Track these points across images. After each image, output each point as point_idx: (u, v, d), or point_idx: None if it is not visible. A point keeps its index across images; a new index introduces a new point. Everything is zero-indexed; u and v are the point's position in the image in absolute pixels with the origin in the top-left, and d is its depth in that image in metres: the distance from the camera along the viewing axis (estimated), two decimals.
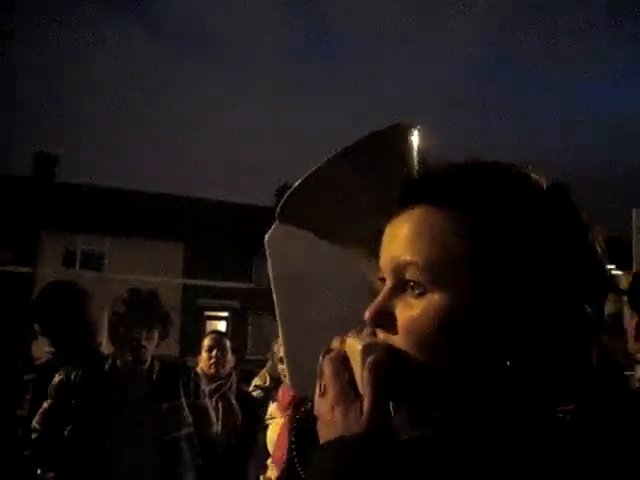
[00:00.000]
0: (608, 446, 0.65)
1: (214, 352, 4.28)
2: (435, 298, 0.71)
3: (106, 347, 3.26)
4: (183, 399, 2.95)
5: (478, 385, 0.70)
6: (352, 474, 0.67)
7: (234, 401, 4.11)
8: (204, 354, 4.32)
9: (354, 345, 0.76)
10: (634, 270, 3.66)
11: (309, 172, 0.93)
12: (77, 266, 26.00)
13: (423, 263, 0.72)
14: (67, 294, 3.21)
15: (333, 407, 0.74)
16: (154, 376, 2.98)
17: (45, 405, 2.85)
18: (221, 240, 27.73)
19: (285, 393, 3.52)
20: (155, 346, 3.02)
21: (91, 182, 29.93)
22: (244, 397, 4.30)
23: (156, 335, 2.99)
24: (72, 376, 2.90)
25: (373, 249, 0.84)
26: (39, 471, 2.73)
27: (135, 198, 28.74)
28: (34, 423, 2.83)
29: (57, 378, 2.91)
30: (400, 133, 1.01)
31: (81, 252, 26.74)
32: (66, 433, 2.75)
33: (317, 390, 0.79)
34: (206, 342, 4.36)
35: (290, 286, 1.29)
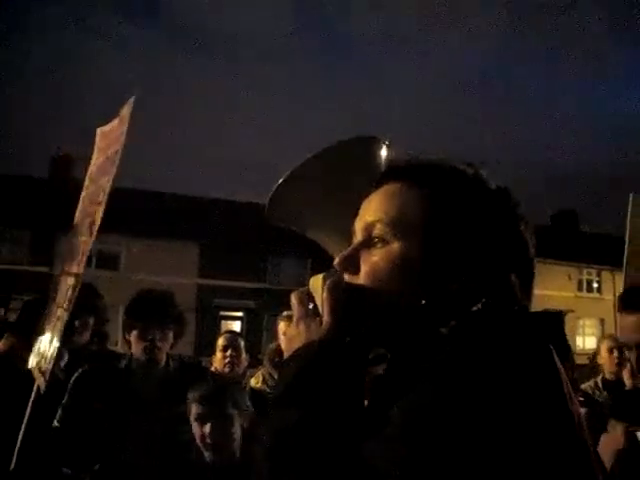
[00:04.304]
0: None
1: (228, 352, 4.28)
2: (394, 247, 0.93)
3: (122, 347, 3.28)
4: None
5: (418, 308, 0.90)
6: (312, 374, 0.86)
7: (248, 402, 4.13)
8: (218, 354, 4.32)
9: (317, 277, 0.96)
10: (626, 259, 3.62)
11: (284, 175, 1.07)
12: (93, 266, 26.17)
13: (387, 220, 0.94)
14: (84, 295, 3.24)
15: (297, 326, 0.93)
16: (170, 376, 2.99)
17: (64, 403, 2.88)
18: (236, 240, 27.80)
19: None
20: (170, 346, 3.02)
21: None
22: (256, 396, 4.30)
23: (171, 335, 2.99)
24: (88, 374, 2.93)
25: (341, 244, 1.04)
26: (65, 470, 2.75)
27: (151, 199, 28.87)
28: (55, 422, 2.86)
29: (74, 376, 2.94)
30: (365, 144, 1.16)
31: (97, 252, 26.91)
32: (81, 431, 2.77)
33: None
34: (220, 342, 4.37)
35: None
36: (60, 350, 2.96)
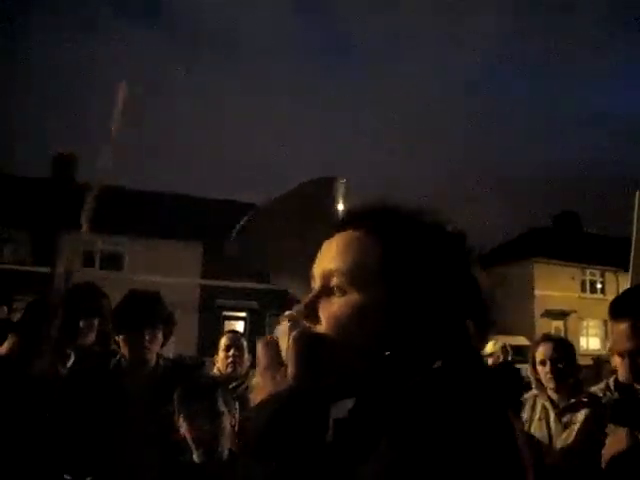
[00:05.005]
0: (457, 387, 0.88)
1: (231, 351, 4.30)
2: (352, 297, 0.95)
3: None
4: None
5: (380, 358, 0.92)
6: (280, 426, 0.90)
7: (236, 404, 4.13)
8: (221, 353, 4.34)
9: (283, 325, 0.98)
10: (632, 258, 3.60)
11: (247, 216, 1.17)
12: (97, 266, 26.19)
13: (345, 270, 0.96)
14: (88, 295, 3.25)
15: (263, 376, 1.01)
16: (159, 376, 2.97)
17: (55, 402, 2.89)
18: None
19: None
20: (160, 346, 3.03)
21: (110, 183, 30.08)
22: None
23: (160, 336, 3.00)
24: (75, 373, 2.95)
25: (301, 281, 1.09)
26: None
27: (154, 199, 28.89)
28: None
29: (66, 376, 2.97)
30: (322, 186, 1.21)
31: (100, 252, 26.93)
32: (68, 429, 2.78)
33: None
34: (223, 341, 4.38)
35: None
36: (66, 351, 2.97)
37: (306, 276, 1.05)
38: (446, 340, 0.93)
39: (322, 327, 0.96)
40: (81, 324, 3.39)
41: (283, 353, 0.95)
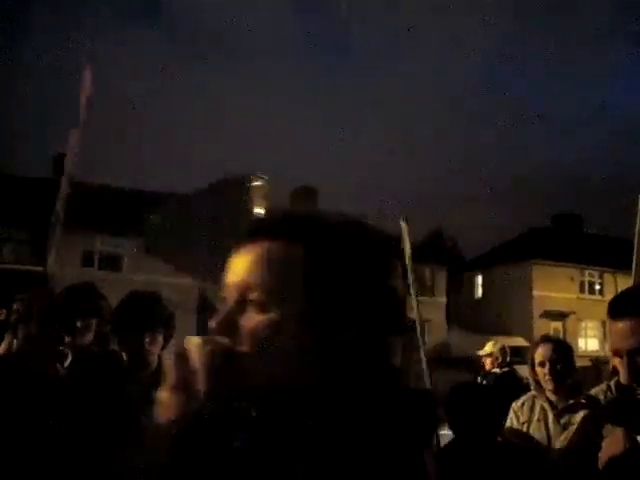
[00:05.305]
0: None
1: None
2: (272, 312, 0.90)
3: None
4: None
5: (302, 373, 0.90)
6: (188, 447, 0.88)
7: None
8: None
9: (194, 340, 0.93)
10: (635, 264, 3.60)
11: (161, 209, 1.14)
12: (96, 267, 26.19)
13: (264, 284, 0.91)
14: (87, 296, 3.25)
15: (171, 393, 0.92)
16: (159, 379, 2.98)
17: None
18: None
19: None
20: (161, 348, 3.02)
21: (110, 183, 30.10)
22: None
23: (160, 338, 2.99)
24: (74, 374, 2.95)
25: (213, 275, 1.03)
26: None
27: (154, 199, 28.89)
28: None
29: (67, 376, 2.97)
30: (239, 184, 1.18)
31: (99, 253, 26.94)
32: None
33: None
34: None
35: None
36: (63, 350, 2.96)
37: (211, 275, 1.04)
38: (367, 356, 0.92)
39: (239, 342, 0.91)
40: (79, 324, 3.39)
41: (195, 367, 0.90)
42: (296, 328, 0.90)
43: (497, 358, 7.43)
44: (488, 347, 7.67)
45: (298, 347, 0.90)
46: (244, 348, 0.90)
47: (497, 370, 7.37)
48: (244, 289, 0.93)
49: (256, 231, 0.97)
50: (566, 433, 3.12)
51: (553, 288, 34.23)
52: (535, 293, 34.20)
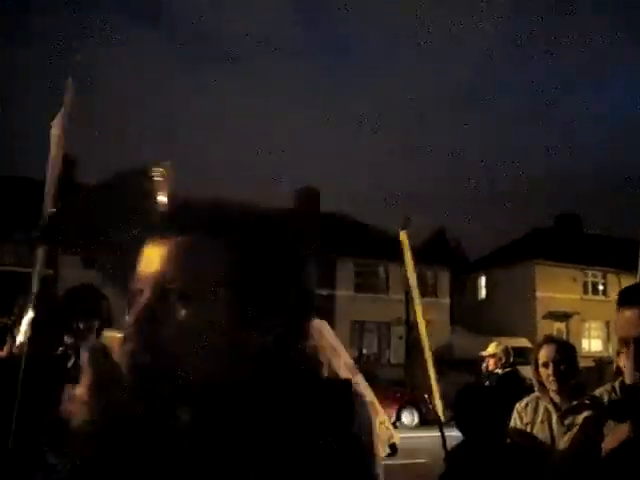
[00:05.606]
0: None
1: None
2: (194, 305, 0.88)
3: None
4: None
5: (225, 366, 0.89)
6: (107, 445, 0.87)
7: None
8: None
9: (115, 336, 0.89)
10: None
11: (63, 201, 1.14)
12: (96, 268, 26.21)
13: (185, 276, 0.89)
14: (88, 297, 3.25)
15: (90, 390, 0.91)
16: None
17: None
18: None
19: None
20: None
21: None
22: None
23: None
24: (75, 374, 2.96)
25: (121, 266, 1.03)
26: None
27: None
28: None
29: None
30: (141, 172, 1.17)
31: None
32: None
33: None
34: None
35: None
36: (65, 352, 2.98)
37: (118, 271, 1.00)
38: (286, 348, 0.93)
39: (162, 337, 0.88)
40: (81, 326, 3.40)
41: (116, 364, 0.88)
42: (219, 319, 0.89)
43: (500, 359, 7.43)
44: (491, 348, 7.67)
45: (221, 339, 0.89)
46: (164, 341, 0.88)
47: (499, 371, 7.38)
48: (165, 281, 0.90)
49: (172, 221, 0.96)
50: (570, 434, 3.11)
51: (556, 289, 34.20)
52: (538, 294, 34.17)
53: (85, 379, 0.94)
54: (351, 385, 0.99)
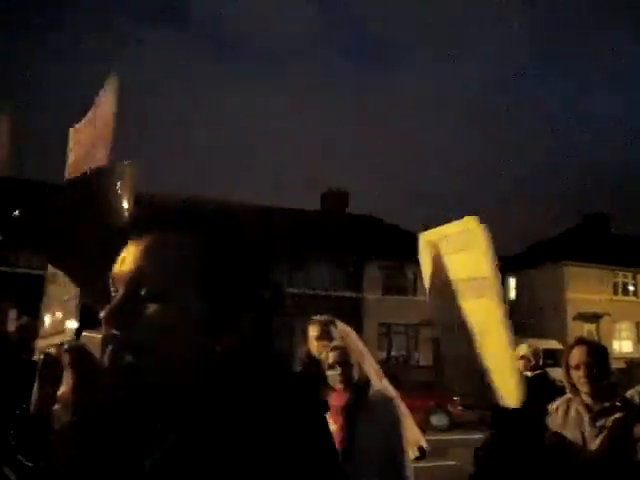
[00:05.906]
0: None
1: None
2: (165, 303, 0.89)
3: None
4: None
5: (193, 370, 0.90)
6: (90, 445, 0.89)
7: None
8: None
9: (94, 337, 0.91)
10: None
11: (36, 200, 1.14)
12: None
13: (157, 275, 0.90)
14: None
15: (72, 389, 0.92)
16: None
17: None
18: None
19: (337, 398, 3.48)
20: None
21: None
22: None
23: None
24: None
25: (90, 267, 1.03)
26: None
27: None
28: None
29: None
30: (101, 175, 1.17)
31: None
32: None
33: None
34: None
35: None
36: None
37: (86, 271, 1.01)
38: (256, 341, 0.94)
39: (135, 336, 0.88)
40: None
41: (97, 363, 0.88)
42: (191, 319, 0.90)
43: (530, 360, 7.36)
44: (521, 349, 7.59)
45: (189, 339, 0.90)
46: (138, 340, 0.88)
47: (529, 373, 7.30)
48: (135, 280, 0.91)
49: (145, 221, 0.97)
50: (602, 436, 3.09)
51: (586, 290, 33.79)
52: (568, 295, 33.78)
53: (67, 379, 0.94)
54: (317, 381, 1.01)
